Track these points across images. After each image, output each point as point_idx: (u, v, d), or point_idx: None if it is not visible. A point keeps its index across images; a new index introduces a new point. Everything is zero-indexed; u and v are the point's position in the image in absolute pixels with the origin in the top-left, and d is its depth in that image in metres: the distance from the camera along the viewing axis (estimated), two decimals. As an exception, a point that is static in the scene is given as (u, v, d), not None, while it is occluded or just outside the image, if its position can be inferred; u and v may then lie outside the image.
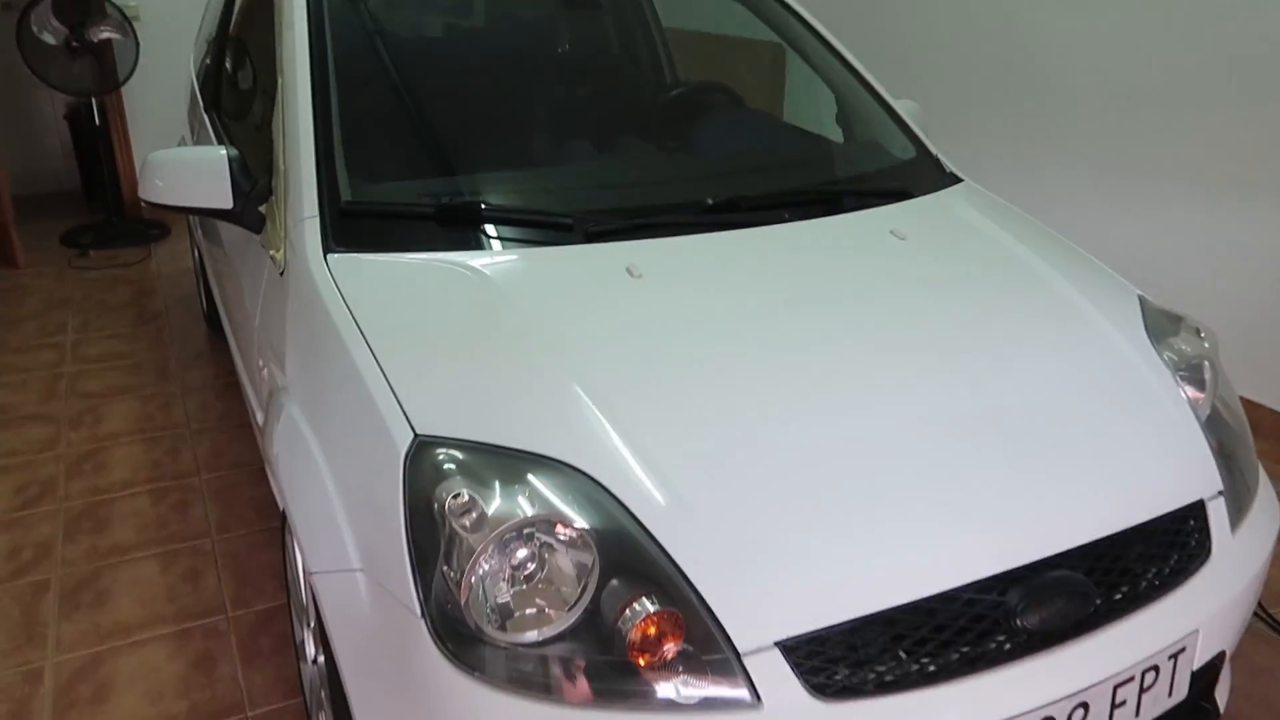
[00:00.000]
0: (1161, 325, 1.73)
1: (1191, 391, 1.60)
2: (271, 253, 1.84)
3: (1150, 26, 3.14)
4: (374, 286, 1.58)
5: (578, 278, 1.62)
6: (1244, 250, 3.01)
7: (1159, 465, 1.46)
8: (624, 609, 1.16)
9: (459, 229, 1.72)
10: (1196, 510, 1.46)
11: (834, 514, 1.25)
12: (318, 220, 1.70)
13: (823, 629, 1.18)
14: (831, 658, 1.18)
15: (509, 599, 1.17)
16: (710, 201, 1.87)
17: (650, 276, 1.63)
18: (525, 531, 1.19)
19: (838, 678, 1.18)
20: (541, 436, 1.28)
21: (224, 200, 1.86)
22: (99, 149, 4.95)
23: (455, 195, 1.82)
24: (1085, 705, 1.27)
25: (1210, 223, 3.08)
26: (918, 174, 2.16)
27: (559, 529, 1.19)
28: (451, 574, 1.18)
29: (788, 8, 2.52)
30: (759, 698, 1.14)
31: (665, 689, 1.15)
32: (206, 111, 3.02)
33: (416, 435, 1.29)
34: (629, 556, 1.19)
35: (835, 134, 2.38)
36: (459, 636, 1.17)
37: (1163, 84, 3.13)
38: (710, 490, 1.24)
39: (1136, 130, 3.25)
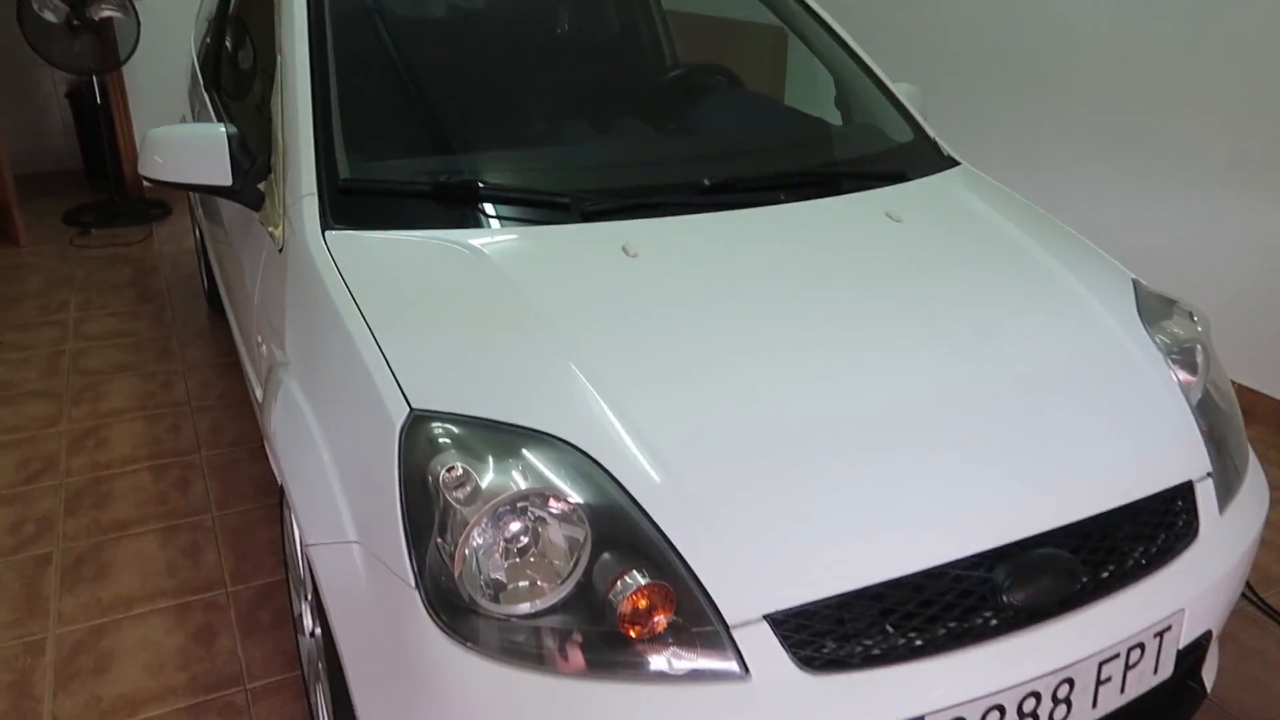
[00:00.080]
0: (1155, 309, 1.74)
1: (1183, 375, 1.61)
2: (270, 230, 1.85)
3: (1147, 10, 3.14)
4: (371, 264, 1.59)
5: (573, 256, 1.63)
6: (1240, 236, 3.01)
7: (1148, 446, 1.47)
8: (615, 582, 1.17)
9: (456, 207, 1.73)
10: (1185, 491, 1.48)
11: (823, 490, 1.26)
12: (316, 198, 1.71)
13: (811, 603, 1.19)
14: (819, 631, 1.20)
15: (502, 571, 1.19)
16: (706, 182, 1.87)
17: (645, 256, 1.64)
18: (518, 505, 1.20)
19: (825, 651, 1.19)
20: (536, 412, 1.30)
21: (223, 177, 1.87)
22: (100, 128, 4.95)
23: (453, 174, 1.82)
24: (1070, 681, 1.29)
25: (1206, 208, 3.09)
26: (915, 157, 2.17)
27: (552, 503, 1.21)
28: (445, 546, 1.19)
29: (788, -9, 2.52)
30: (747, 669, 1.16)
31: (656, 660, 1.16)
32: (207, 90, 3.02)
33: (412, 410, 1.30)
34: (620, 530, 1.20)
35: (834, 117, 2.38)
36: (453, 608, 1.19)
37: (1161, 67, 3.13)
38: (702, 466, 1.26)
39: (1135, 113, 3.25)
